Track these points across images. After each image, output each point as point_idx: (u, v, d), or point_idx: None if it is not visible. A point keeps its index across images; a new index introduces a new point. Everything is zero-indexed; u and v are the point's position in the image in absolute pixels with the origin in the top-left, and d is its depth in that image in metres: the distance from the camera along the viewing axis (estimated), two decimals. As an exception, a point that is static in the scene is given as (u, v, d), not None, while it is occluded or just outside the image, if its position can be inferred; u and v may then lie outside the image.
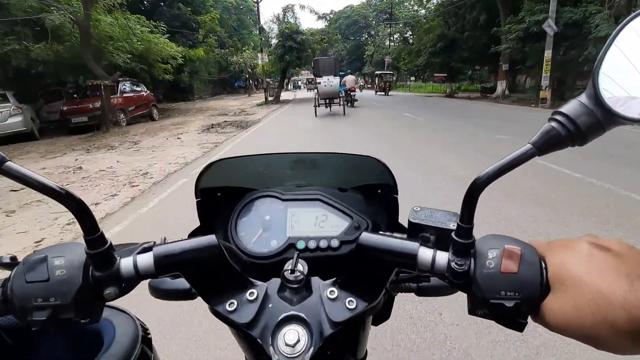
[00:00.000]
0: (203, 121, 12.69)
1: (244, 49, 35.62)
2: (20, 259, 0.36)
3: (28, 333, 0.47)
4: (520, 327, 0.32)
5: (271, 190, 0.62)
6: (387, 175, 0.57)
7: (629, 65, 0.27)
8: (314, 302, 0.40)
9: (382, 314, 0.56)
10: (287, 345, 0.37)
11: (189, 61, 20.93)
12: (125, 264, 0.37)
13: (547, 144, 0.30)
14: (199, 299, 0.44)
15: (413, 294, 0.52)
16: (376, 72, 27.90)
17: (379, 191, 0.60)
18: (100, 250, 0.35)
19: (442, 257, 0.35)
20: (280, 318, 0.39)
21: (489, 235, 0.35)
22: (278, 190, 0.61)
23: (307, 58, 21.97)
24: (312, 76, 16.62)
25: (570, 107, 0.29)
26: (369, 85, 38.03)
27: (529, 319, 0.32)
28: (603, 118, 0.28)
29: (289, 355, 0.36)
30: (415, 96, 23.39)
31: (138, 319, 0.50)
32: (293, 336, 0.37)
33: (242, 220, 0.59)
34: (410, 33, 41.85)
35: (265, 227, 0.58)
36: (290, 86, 64.00)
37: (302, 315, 0.39)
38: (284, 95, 31.20)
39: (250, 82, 41.73)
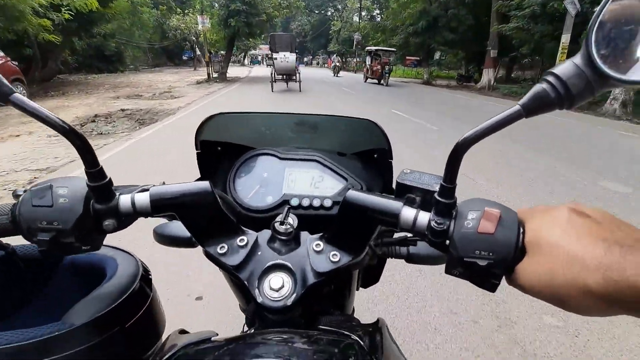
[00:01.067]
0: (94, 106, 8.36)
1: (187, 11, 29.66)
2: None
3: (40, 263, 0.49)
4: (492, 287, 0.33)
5: (271, 148, 0.62)
6: (383, 139, 0.57)
7: (623, 26, 0.27)
8: (301, 253, 0.42)
9: (371, 277, 0.60)
10: (272, 289, 0.39)
11: (102, 19, 15.63)
12: (124, 200, 0.39)
13: (535, 105, 0.29)
14: (200, 247, 0.47)
15: (403, 260, 0.53)
16: (367, 48, 20.22)
17: (375, 156, 0.61)
18: (100, 184, 0.37)
19: (424, 217, 0.36)
20: (267, 265, 0.41)
21: (474, 198, 0.35)
22: (278, 150, 0.62)
23: (261, 25, 17.57)
24: (268, 52, 16.73)
25: (562, 67, 0.28)
26: (353, 68, 31.08)
27: (503, 281, 0.33)
28: (594, 80, 0.27)
29: (273, 298, 0.39)
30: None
31: (141, 260, 0.50)
32: (278, 282, 0.40)
33: (240, 175, 0.60)
34: (379, 11, 38.29)
35: (262, 183, 0.59)
36: (247, 61, 57.92)
37: (288, 264, 0.41)
38: (235, 72, 26.41)
39: (198, 53, 36.00)
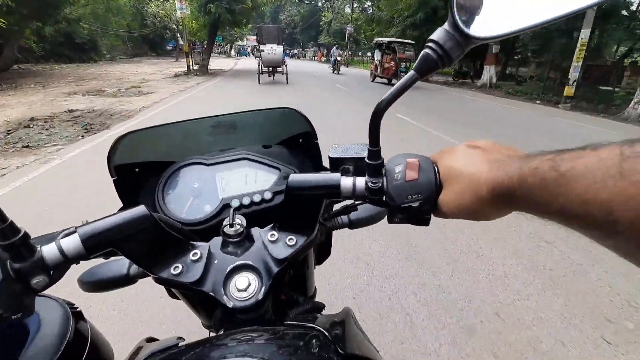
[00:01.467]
0: (37, 105, 6.89)
1: (167, -4, 27.66)
2: None
3: None
4: (426, 222, 0.39)
5: (194, 157, 0.60)
6: (305, 123, 0.58)
7: None
8: (258, 248, 0.43)
9: (323, 252, 0.63)
10: (239, 290, 0.40)
11: (65, 2, 13.82)
12: (48, 250, 0.35)
13: (424, 68, 0.35)
14: (140, 282, 0.50)
15: (347, 229, 0.56)
16: (377, 40, 16.72)
17: (300, 140, 0.62)
18: (13, 241, 0.33)
19: (361, 181, 0.40)
20: (228, 270, 0.41)
21: (395, 155, 0.40)
22: (202, 157, 0.60)
23: (245, 14, 16.04)
24: (251, 43, 18.07)
25: (437, 34, 0.34)
26: (344, 61, 26.73)
27: (432, 215, 0.39)
28: (461, 40, 0.33)
29: (242, 299, 0.39)
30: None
31: (63, 300, 0.44)
32: (244, 282, 0.40)
33: (168, 192, 0.57)
34: (370, 3, 36.84)
35: (195, 194, 0.57)
36: (233, 52, 55.67)
37: (249, 262, 0.42)
38: (220, 64, 24.77)
39: (181, 43, 34.01)
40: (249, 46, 59.60)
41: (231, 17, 14.85)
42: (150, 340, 0.42)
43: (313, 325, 0.39)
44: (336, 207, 0.56)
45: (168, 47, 44.02)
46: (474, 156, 0.35)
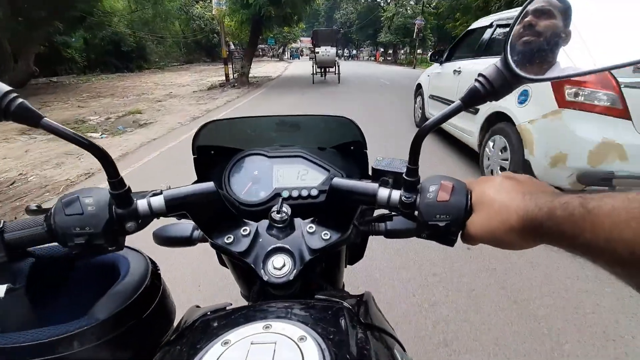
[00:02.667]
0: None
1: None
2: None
3: (59, 265, 0.52)
4: (451, 242, 0.41)
5: (259, 149, 0.67)
6: (358, 133, 0.64)
7: (530, 38, 0.35)
8: (297, 236, 0.49)
9: (356, 254, 0.67)
10: (275, 268, 0.46)
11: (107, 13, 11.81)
12: (141, 204, 0.44)
13: (471, 100, 0.38)
14: (197, 245, 0.60)
15: (383, 236, 0.58)
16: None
17: (352, 148, 0.67)
18: (120, 192, 0.42)
19: (396, 194, 0.43)
20: (269, 249, 0.47)
21: (435, 175, 0.43)
22: (265, 149, 0.67)
23: (296, 8, 12.66)
24: (309, 45, 18.92)
25: (488, 70, 0.37)
26: (403, 60, 23.95)
27: (459, 238, 0.41)
28: (510, 78, 0.35)
29: (276, 276, 0.45)
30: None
31: (149, 257, 0.54)
32: (279, 262, 0.46)
33: (233, 175, 0.64)
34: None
35: (254, 180, 0.63)
36: (287, 55, 53.70)
37: (287, 246, 0.47)
38: (268, 69, 21.83)
39: (232, 47, 32.39)
40: (304, 48, 57.49)
41: (276, 10, 11.58)
42: (198, 307, 0.47)
43: (340, 301, 0.43)
44: (376, 213, 0.59)
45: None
46: (509, 186, 0.36)
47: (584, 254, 0.28)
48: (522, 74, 0.35)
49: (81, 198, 0.42)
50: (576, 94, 2.18)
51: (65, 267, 0.53)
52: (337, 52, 13.72)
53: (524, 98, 2.61)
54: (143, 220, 0.45)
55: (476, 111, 3.34)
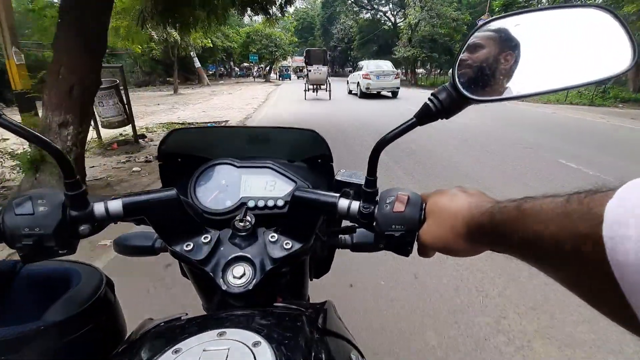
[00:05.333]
0: None
1: None
2: None
3: (5, 275, 0.51)
4: (406, 252, 0.43)
5: (228, 158, 0.66)
6: (325, 146, 0.63)
7: (474, 65, 0.39)
8: (259, 245, 0.49)
9: (323, 268, 0.67)
10: (234, 277, 0.45)
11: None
12: (98, 207, 0.43)
13: (423, 117, 0.41)
14: (159, 255, 0.59)
15: (349, 250, 0.62)
16: None
17: (319, 160, 0.68)
18: (76, 193, 0.42)
19: (355, 205, 0.45)
20: (229, 258, 0.47)
21: (392, 187, 0.45)
22: (234, 159, 0.66)
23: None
24: (300, 64, 23.71)
25: (438, 90, 0.40)
26: (426, 80, 14.65)
27: (415, 250, 0.43)
28: (459, 99, 0.38)
29: (235, 285, 0.45)
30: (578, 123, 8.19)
31: (102, 270, 0.53)
32: (239, 271, 0.46)
33: (200, 183, 0.64)
34: None
35: (221, 189, 0.63)
36: (274, 75, 46.00)
37: (248, 255, 0.47)
38: (228, 103, 13.12)
39: (197, 63, 24.23)
40: (300, 67, 49.86)
41: None
42: (151, 320, 0.46)
43: (299, 308, 0.44)
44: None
45: (213, 70, 35.44)
46: (459, 197, 0.39)
47: (517, 252, 0.31)
48: (468, 95, 0.38)
49: (33, 198, 0.41)
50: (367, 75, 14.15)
51: (5, 278, 0.51)
52: (328, 70, 14.45)
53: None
54: (99, 223, 0.44)
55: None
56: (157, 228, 0.47)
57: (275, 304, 0.45)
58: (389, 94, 14.62)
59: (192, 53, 22.88)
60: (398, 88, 14.33)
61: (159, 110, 10.53)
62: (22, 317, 0.43)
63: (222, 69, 40.43)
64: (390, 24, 41.68)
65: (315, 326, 0.40)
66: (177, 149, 0.66)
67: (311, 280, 0.65)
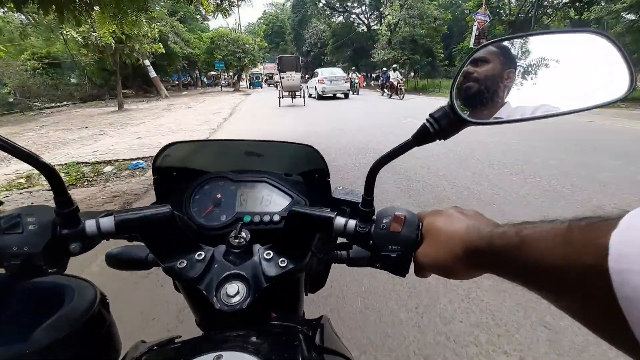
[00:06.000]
0: None
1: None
2: None
3: None
4: (403, 272, 0.42)
5: (224, 172, 0.65)
6: (322, 162, 0.63)
7: (473, 84, 0.40)
8: (253, 263, 0.48)
9: (318, 282, 0.65)
10: (228, 296, 0.44)
11: None
12: (89, 224, 0.42)
13: (421, 138, 0.40)
14: (152, 269, 0.56)
15: (345, 265, 0.58)
16: None
17: (316, 175, 0.66)
18: (67, 211, 0.40)
19: (352, 223, 0.45)
20: (223, 275, 0.46)
21: (389, 206, 0.45)
22: (230, 173, 0.65)
23: None
24: (271, 71, 26.62)
25: (437, 111, 0.40)
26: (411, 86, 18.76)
27: (412, 270, 0.42)
28: (456, 121, 0.38)
29: (229, 304, 0.44)
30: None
31: (97, 287, 0.52)
32: (233, 289, 0.44)
33: (195, 197, 0.62)
34: None
35: (216, 203, 0.62)
36: (244, 83, 43.03)
37: (242, 272, 0.46)
38: (200, 113, 10.59)
39: (153, 73, 21.19)
40: (270, 75, 47.17)
41: None
42: (143, 342, 0.45)
43: (295, 325, 0.45)
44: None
45: (177, 80, 32.18)
46: (456, 219, 0.38)
47: (518, 279, 0.30)
48: (466, 117, 0.38)
49: (23, 216, 0.40)
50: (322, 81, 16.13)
51: (4, 291, 0.49)
52: (300, 77, 14.48)
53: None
54: (90, 241, 0.43)
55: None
56: (150, 245, 0.46)
57: (271, 322, 0.46)
58: (342, 96, 16.89)
59: (145, 61, 19.89)
60: (349, 90, 16.85)
61: (78, 138, 7.71)
62: (13, 333, 0.42)
63: (189, 78, 37.19)
64: (364, 27, 40.07)
65: (312, 344, 0.40)
66: (172, 162, 0.64)
67: (306, 295, 0.62)
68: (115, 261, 0.58)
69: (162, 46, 15.70)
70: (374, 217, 0.44)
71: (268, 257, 0.48)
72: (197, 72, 35.99)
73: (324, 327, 0.47)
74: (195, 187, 0.63)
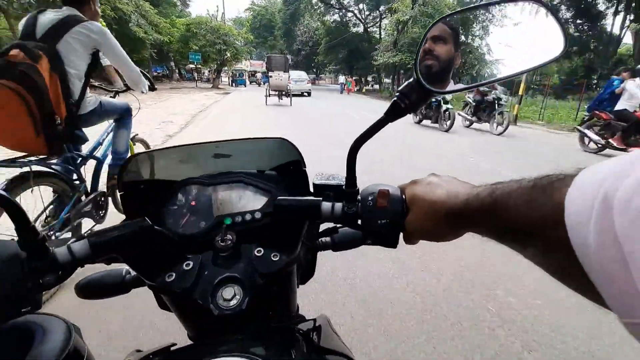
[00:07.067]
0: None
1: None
2: None
3: None
4: (394, 244, 0.43)
5: (195, 178, 0.63)
6: (296, 152, 0.62)
7: (434, 63, 0.43)
8: (245, 263, 0.47)
9: (307, 273, 0.64)
10: (225, 300, 0.43)
11: None
12: (61, 252, 0.39)
13: (393, 113, 0.42)
14: (132, 291, 0.52)
15: (331, 250, 0.59)
16: None
17: (291, 167, 0.65)
18: (33, 242, 0.37)
19: (339, 206, 0.45)
20: (216, 280, 0.44)
21: (370, 185, 0.45)
22: (202, 178, 0.63)
23: None
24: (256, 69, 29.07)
25: (404, 86, 0.42)
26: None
27: (401, 239, 0.43)
28: (422, 92, 0.41)
29: (227, 308, 0.42)
30: None
31: (66, 319, 0.48)
32: (229, 292, 0.43)
33: (169, 208, 0.60)
34: None
35: (191, 211, 0.60)
36: (225, 79, 38.87)
37: (235, 274, 0.45)
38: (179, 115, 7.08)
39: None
40: (254, 72, 43.19)
41: None
42: (139, 351, 0.43)
43: (294, 327, 0.44)
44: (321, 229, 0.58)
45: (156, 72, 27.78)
46: (436, 186, 0.40)
47: (493, 235, 0.33)
48: (431, 88, 0.40)
49: None
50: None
51: None
52: (289, 77, 14.71)
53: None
54: (64, 271, 0.39)
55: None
56: (132, 264, 0.44)
57: (270, 324, 0.46)
58: (306, 94, 20.02)
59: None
60: (310, 90, 20.52)
61: None
62: None
63: (167, 70, 32.78)
64: (361, 28, 36.89)
65: (312, 345, 0.41)
66: (139, 176, 0.62)
67: (298, 287, 0.61)
68: (88, 292, 0.52)
69: (103, 23, 11.78)
70: (359, 197, 0.44)
71: (260, 254, 0.46)
72: (172, 63, 31.63)
73: (323, 327, 0.48)
74: (167, 197, 0.60)
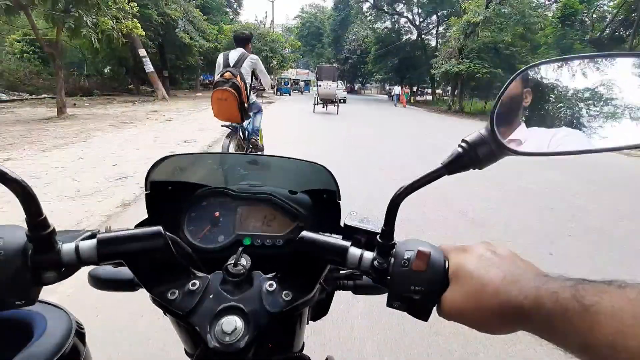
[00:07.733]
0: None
1: None
2: None
3: None
4: (425, 316, 0.37)
5: (223, 187, 0.61)
6: (332, 182, 0.59)
7: (516, 110, 0.36)
8: (254, 294, 0.43)
9: (321, 310, 0.60)
10: (224, 333, 0.39)
11: None
12: (67, 249, 0.37)
13: (454, 166, 0.36)
14: (140, 291, 0.48)
15: (350, 292, 0.55)
16: None
17: (325, 196, 0.62)
18: (41, 234, 0.35)
19: (368, 256, 0.40)
20: (219, 308, 0.41)
21: (409, 239, 0.40)
22: (230, 188, 0.61)
23: None
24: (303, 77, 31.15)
25: (473, 137, 0.36)
26: None
27: (435, 311, 0.37)
28: (496, 149, 0.35)
29: (225, 342, 0.39)
30: None
31: (72, 314, 0.47)
32: (230, 325, 0.39)
33: (191, 215, 0.59)
34: None
35: (213, 223, 0.59)
36: (269, 87, 38.41)
37: (241, 305, 0.41)
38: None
39: (149, 67, 16.22)
40: (297, 81, 42.36)
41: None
42: None
43: None
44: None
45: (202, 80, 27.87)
46: (489, 262, 0.33)
47: (578, 354, 0.25)
48: (508, 145, 0.34)
49: None
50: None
51: None
52: (337, 86, 14.90)
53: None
54: (67, 269, 0.37)
55: None
56: (137, 272, 0.41)
57: None
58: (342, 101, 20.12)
59: (140, 51, 15.20)
60: (345, 97, 22.75)
61: None
62: None
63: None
64: (414, 35, 34.39)
65: None
66: (168, 176, 0.60)
67: (307, 323, 0.57)
68: (99, 282, 0.52)
69: (138, 26, 10.76)
70: (393, 251, 0.39)
71: (271, 289, 0.42)
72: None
73: None
74: (192, 202, 0.59)
